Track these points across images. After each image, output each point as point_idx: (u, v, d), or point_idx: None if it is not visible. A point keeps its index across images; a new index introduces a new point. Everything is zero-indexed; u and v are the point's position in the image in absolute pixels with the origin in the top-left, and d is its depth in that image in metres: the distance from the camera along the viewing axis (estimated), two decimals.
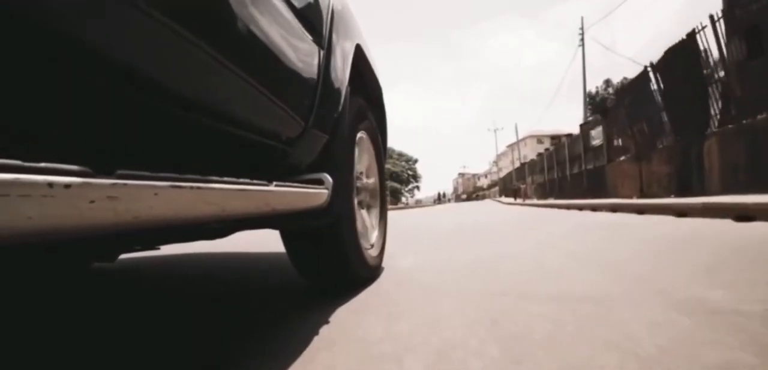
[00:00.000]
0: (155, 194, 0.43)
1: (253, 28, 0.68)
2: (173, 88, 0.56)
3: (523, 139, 53.73)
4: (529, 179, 23.26)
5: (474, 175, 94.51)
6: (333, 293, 1.38)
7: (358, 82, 1.56)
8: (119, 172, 0.39)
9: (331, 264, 1.33)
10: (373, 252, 1.62)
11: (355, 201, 1.45)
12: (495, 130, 53.28)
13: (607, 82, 40.35)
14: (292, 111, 0.90)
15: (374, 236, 1.73)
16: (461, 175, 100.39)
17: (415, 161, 57.51)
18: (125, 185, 0.39)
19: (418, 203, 59.40)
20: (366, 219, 1.66)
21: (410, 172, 55.86)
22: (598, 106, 38.31)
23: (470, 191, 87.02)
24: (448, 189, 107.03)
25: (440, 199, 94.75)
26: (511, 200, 22.77)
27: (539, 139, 51.10)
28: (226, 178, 0.56)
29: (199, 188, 0.49)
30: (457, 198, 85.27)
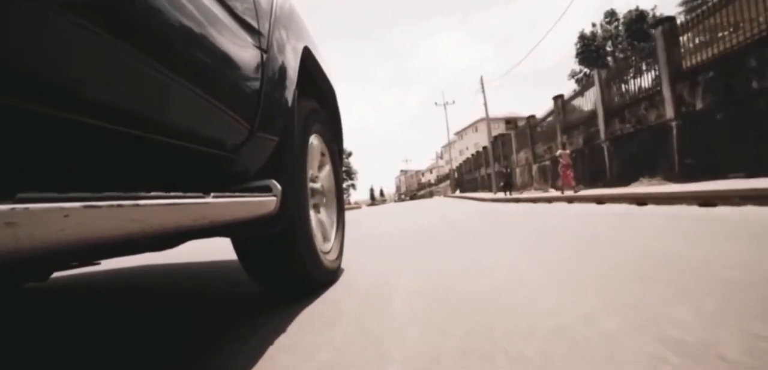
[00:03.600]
0: (66, 216, 0.40)
1: (183, 31, 0.65)
2: (96, 97, 0.52)
3: (475, 124, 49.62)
4: (528, 151, 13.71)
5: (417, 172, 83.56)
6: (289, 298, 1.36)
7: (308, 84, 1.54)
8: (19, 195, 0.36)
9: (286, 271, 1.30)
10: (330, 256, 1.60)
11: (310, 205, 1.43)
12: (445, 105, 36.55)
13: (611, 15, 25.87)
14: (234, 115, 0.87)
15: (331, 239, 1.71)
16: (404, 172, 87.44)
17: (349, 155, 51.15)
18: (26, 209, 0.36)
19: (353, 205, 37.74)
20: (323, 222, 1.65)
21: (343, 168, 49.55)
22: (593, 54, 25.12)
23: (414, 189, 70.90)
24: (391, 188, 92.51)
25: (373, 199, 75.22)
26: (491, 195, 14.31)
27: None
28: (154, 194, 0.53)
29: (120, 205, 0.46)
30: (400, 198, 70.59)
